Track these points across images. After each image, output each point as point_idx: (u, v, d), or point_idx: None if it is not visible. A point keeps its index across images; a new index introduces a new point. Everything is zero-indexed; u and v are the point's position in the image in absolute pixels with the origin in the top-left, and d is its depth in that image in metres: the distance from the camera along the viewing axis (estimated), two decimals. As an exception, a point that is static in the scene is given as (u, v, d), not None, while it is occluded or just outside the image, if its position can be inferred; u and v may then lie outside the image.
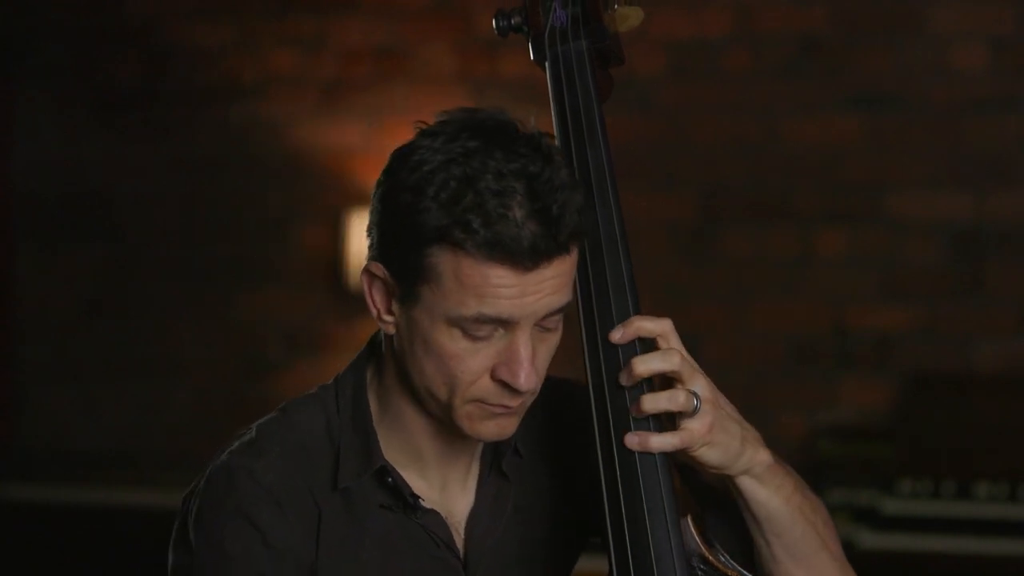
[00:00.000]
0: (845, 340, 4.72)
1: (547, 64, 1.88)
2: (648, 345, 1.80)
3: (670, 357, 1.78)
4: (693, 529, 1.79)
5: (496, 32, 1.94)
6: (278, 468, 1.80)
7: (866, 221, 4.71)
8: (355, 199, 4.86)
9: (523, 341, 1.75)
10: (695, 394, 1.78)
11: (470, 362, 1.75)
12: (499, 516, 1.88)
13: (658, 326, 1.80)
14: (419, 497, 1.83)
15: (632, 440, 1.78)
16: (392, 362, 1.83)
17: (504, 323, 1.74)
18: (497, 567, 1.88)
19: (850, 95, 4.71)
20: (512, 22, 1.93)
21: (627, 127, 4.53)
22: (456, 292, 1.72)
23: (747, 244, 4.74)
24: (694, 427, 1.78)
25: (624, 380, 1.79)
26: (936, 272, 4.66)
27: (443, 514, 1.86)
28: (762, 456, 1.83)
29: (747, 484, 1.83)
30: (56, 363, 5.29)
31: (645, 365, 1.78)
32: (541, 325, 1.76)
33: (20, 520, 4.83)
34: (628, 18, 1.91)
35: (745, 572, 1.80)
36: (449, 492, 1.87)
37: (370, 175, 5.81)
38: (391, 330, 1.80)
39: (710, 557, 1.78)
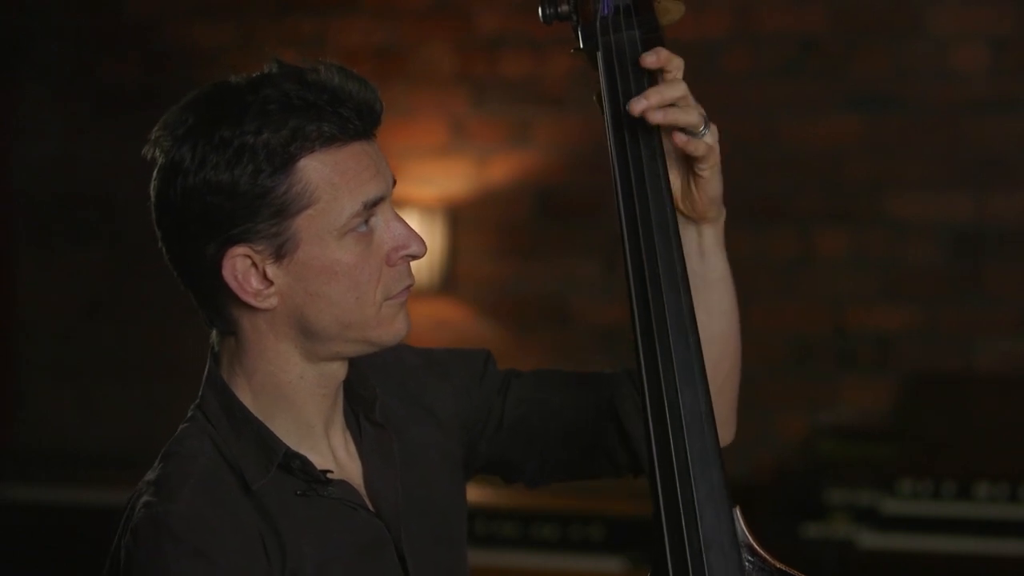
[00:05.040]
0: (845, 340, 4.72)
1: (599, 53, 1.90)
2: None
3: (678, 84, 1.85)
4: (742, 520, 1.78)
5: (541, 20, 1.94)
6: (200, 499, 1.77)
7: (866, 221, 4.71)
8: (355, 199, 4.85)
9: (395, 213, 1.83)
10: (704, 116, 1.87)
11: (371, 261, 1.81)
12: (391, 466, 1.91)
13: (678, 59, 1.87)
14: (328, 470, 1.85)
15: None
16: (264, 342, 1.84)
17: (377, 204, 1.81)
18: (412, 516, 1.91)
19: (850, 96, 4.71)
20: (559, 10, 1.93)
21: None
22: (333, 198, 1.78)
23: (747, 244, 4.73)
24: (709, 140, 1.86)
25: (636, 107, 1.82)
26: (936, 272, 4.67)
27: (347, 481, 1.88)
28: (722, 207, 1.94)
29: (710, 237, 1.93)
30: (56, 364, 5.29)
31: (658, 95, 1.82)
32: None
33: (20, 521, 4.82)
34: (669, 12, 1.93)
35: (788, 570, 1.79)
36: (340, 463, 1.88)
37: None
38: (273, 302, 1.81)
39: (759, 549, 1.78)
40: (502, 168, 4.94)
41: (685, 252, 1.88)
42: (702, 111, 1.88)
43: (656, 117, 1.83)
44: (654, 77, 1.88)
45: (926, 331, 4.67)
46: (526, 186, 4.92)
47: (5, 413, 5.28)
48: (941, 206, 4.67)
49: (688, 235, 1.92)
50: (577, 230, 4.83)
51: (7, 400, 5.28)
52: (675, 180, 1.90)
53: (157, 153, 1.81)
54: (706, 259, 1.94)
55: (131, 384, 5.17)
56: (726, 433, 1.97)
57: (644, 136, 1.85)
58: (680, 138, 1.84)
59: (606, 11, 1.90)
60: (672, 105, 1.84)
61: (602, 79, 1.89)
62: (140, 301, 5.19)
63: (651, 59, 1.84)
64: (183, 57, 5.12)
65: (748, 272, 4.75)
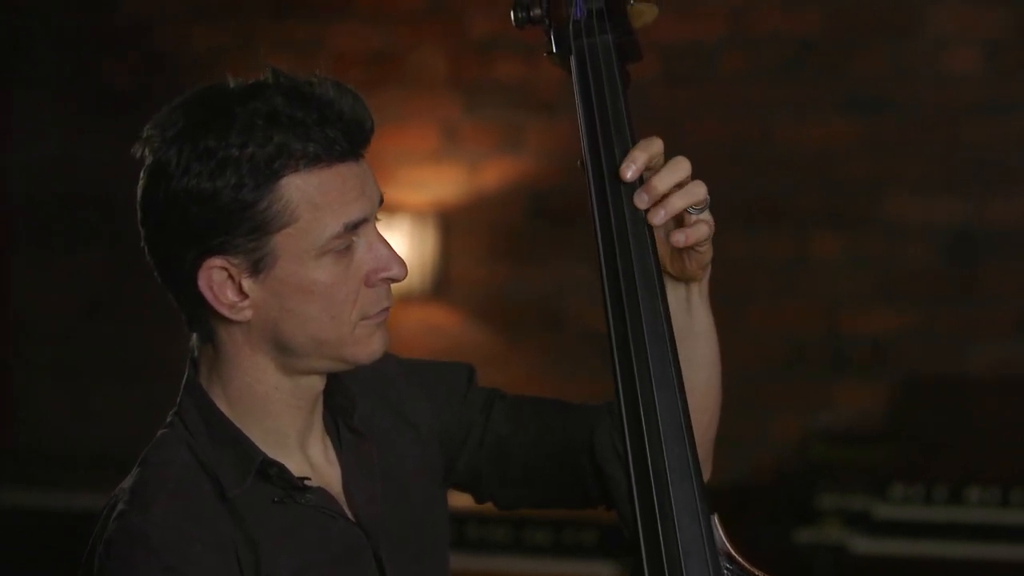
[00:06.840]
0: (840, 343, 4.72)
1: (572, 58, 1.87)
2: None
3: (683, 163, 1.80)
4: (720, 528, 1.79)
5: (513, 23, 1.92)
6: (175, 508, 1.77)
7: (861, 223, 4.71)
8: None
9: (378, 235, 1.82)
10: None
11: (349, 282, 1.80)
12: (370, 475, 1.91)
13: (656, 145, 1.81)
14: (305, 478, 1.84)
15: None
16: (239, 353, 1.84)
17: (360, 225, 1.80)
18: (391, 524, 1.90)
19: (845, 98, 4.71)
20: (531, 14, 1.91)
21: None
22: (314, 219, 1.77)
23: (742, 246, 4.73)
24: (707, 219, 1.82)
25: (641, 203, 1.78)
26: (931, 275, 4.66)
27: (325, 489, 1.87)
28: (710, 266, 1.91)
29: (696, 294, 1.89)
30: (55, 364, 5.29)
31: (662, 181, 1.78)
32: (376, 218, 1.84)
33: (18, 523, 4.83)
34: (643, 14, 1.91)
35: None
36: (317, 470, 1.88)
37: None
38: (247, 315, 1.81)
39: (738, 557, 1.77)
40: (494, 173, 4.94)
41: (671, 308, 1.84)
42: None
43: (663, 215, 1.79)
44: (628, 80, 1.87)
45: (921, 334, 4.66)
46: (518, 191, 4.92)
47: (4, 414, 5.28)
48: (938, 208, 4.67)
49: (675, 293, 1.88)
50: (570, 234, 4.82)
51: (6, 401, 5.29)
52: (661, 249, 1.85)
53: (147, 152, 1.82)
54: (692, 314, 1.90)
55: (131, 384, 5.17)
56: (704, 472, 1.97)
57: (619, 141, 1.82)
58: (679, 238, 1.80)
59: (579, 15, 1.87)
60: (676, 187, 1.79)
61: (575, 84, 1.86)
62: (140, 301, 5.17)
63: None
64: (181, 58, 5.13)
65: (744, 273, 4.77)
